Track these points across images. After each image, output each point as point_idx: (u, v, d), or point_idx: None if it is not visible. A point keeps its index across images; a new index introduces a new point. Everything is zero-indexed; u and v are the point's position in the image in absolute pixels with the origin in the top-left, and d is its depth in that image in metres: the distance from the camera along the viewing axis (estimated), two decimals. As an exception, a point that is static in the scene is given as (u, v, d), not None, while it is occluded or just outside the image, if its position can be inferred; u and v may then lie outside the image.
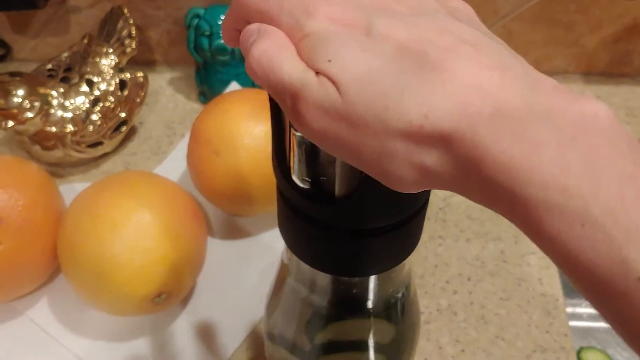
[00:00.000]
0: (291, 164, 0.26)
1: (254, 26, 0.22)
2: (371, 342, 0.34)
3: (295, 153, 0.25)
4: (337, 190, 0.25)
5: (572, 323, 0.71)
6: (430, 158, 0.19)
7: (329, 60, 0.20)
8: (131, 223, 0.44)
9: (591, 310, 0.72)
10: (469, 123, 0.18)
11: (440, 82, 0.19)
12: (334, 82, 0.19)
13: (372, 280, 0.31)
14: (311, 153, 0.24)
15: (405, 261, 0.31)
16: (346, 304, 0.32)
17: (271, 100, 0.25)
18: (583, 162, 0.17)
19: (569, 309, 0.71)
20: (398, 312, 0.34)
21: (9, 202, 0.45)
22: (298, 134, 0.23)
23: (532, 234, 0.18)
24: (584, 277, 0.18)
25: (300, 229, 0.27)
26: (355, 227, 0.26)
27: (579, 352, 0.67)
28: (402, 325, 0.35)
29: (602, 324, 0.71)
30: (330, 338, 0.33)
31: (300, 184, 0.26)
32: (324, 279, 0.31)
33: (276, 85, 0.20)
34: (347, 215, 0.25)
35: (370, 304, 0.32)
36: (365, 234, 0.26)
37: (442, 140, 0.19)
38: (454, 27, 0.20)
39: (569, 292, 0.72)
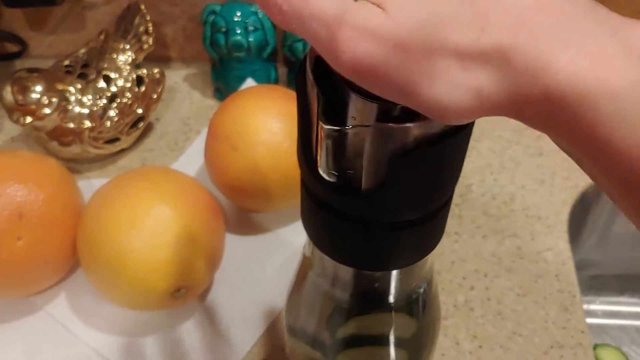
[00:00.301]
0: (318, 157, 0.26)
1: None
2: (392, 337, 0.34)
3: (322, 146, 0.25)
4: (364, 183, 0.25)
5: (587, 320, 0.71)
6: (487, 76, 0.18)
7: None
8: (150, 218, 0.44)
9: (605, 308, 0.72)
10: (530, 35, 0.18)
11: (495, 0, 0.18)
12: (377, 4, 0.18)
13: (395, 274, 0.31)
14: (339, 145, 0.24)
15: (428, 256, 0.31)
16: (368, 299, 0.32)
17: (298, 92, 0.25)
18: None
19: (584, 306, 0.71)
20: (420, 307, 0.34)
21: (29, 197, 0.45)
22: (326, 126, 0.23)
23: (592, 152, 0.18)
24: None
25: (325, 222, 0.27)
26: (381, 221, 0.26)
27: (593, 349, 0.67)
28: (423, 320, 0.35)
29: (617, 321, 0.71)
30: (351, 332, 0.34)
31: (326, 177, 0.26)
32: (346, 273, 0.31)
33: (311, 17, 0.19)
34: (374, 209, 0.25)
35: (392, 299, 0.32)
36: (391, 228, 0.26)
37: (500, 54, 0.18)
38: None
39: (583, 290, 0.72)
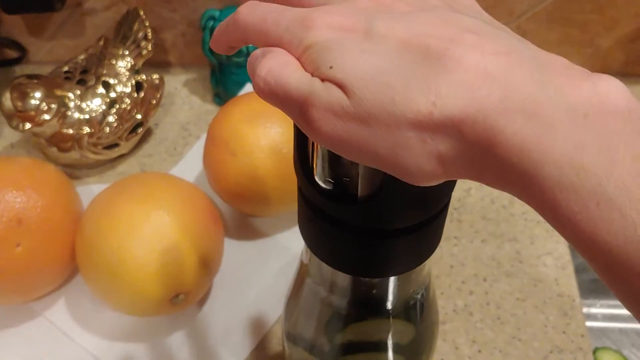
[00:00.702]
0: (314, 165, 0.26)
1: (258, 51, 0.22)
2: (390, 343, 0.34)
3: (318, 154, 0.25)
4: (360, 190, 0.25)
5: (587, 323, 0.71)
6: (444, 145, 0.19)
7: (331, 67, 0.20)
8: (149, 224, 0.44)
9: (606, 311, 0.72)
10: (479, 107, 0.18)
11: (445, 71, 0.19)
12: (339, 86, 0.20)
13: (392, 281, 0.31)
14: (334, 154, 0.24)
15: (425, 262, 0.31)
16: (366, 305, 0.32)
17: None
18: (596, 140, 0.17)
19: (584, 310, 0.71)
20: (417, 313, 0.34)
21: (27, 204, 0.45)
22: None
23: (547, 215, 0.18)
24: (599, 257, 0.17)
25: (322, 229, 0.28)
26: (378, 228, 0.26)
27: (593, 353, 0.67)
28: (421, 325, 0.35)
29: (617, 325, 0.71)
30: (349, 339, 0.34)
31: (322, 185, 0.26)
32: (344, 280, 0.31)
33: (285, 98, 0.21)
34: (370, 216, 0.25)
35: (390, 305, 0.32)
36: (388, 235, 0.26)
37: (453, 127, 0.19)
38: (455, 18, 0.21)
39: (583, 293, 0.71)
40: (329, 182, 0.26)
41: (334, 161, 0.25)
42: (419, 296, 0.33)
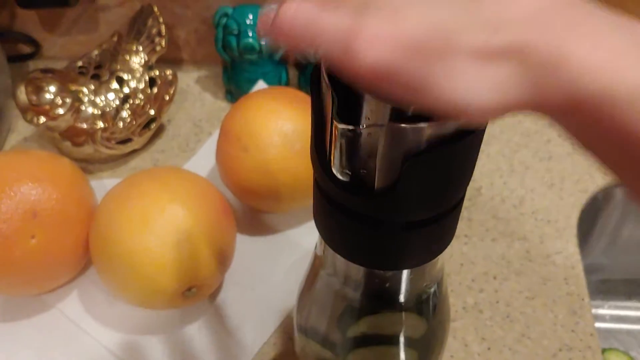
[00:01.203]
0: (331, 156, 0.26)
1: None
2: (402, 337, 0.34)
3: (336, 145, 0.25)
4: (377, 183, 0.25)
5: (595, 325, 0.71)
6: (506, 71, 0.19)
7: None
8: (163, 217, 0.44)
9: (614, 312, 0.72)
10: (545, 31, 0.18)
11: (505, 2, 0.19)
12: (390, 12, 0.19)
13: (406, 274, 0.31)
14: (353, 145, 0.24)
15: (439, 256, 0.32)
16: (379, 298, 0.33)
17: (313, 92, 0.25)
18: None
19: (592, 311, 0.71)
20: (430, 308, 0.34)
21: (42, 196, 0.46)
22: (341, 125, 0.24)
23: (614, 139, 0.19)
24: None
25: (337, 221, 0.28)
26: (394, 220, 0.26)
27: (602, 353, 0.67)
28: (433, 321, 0.35)
29: (625, 326, 0.71)
30: (362, 331, 0.34)
31: (340, 177, 0.26)
32: (358, 273, 0.32)
33: (323, 32, 0.20)
34: (386, 208, 0.25)
35: (402, 299, 0.32)
36: (403, 227, 0.26)
37: (515, 51, 0.18)
38: None
39: (592, 294, 0.72)
40: (346, 173, 0.26)
41: (352, 153, 0.25)
42: (431, 291, 0.33)
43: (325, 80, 0.24)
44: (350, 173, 0.26)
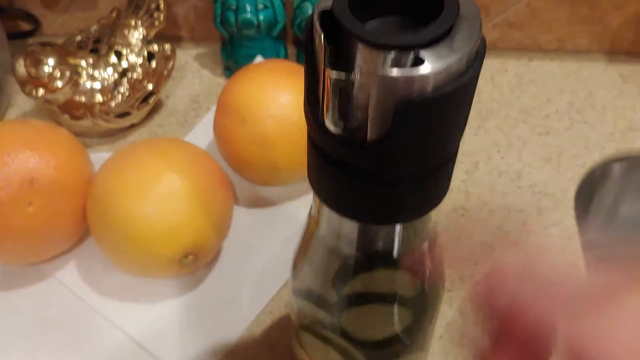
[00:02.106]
0: (324, 108, 0.26)
1: None
2: (396, 295, 0.34)
3: (329, 96, 0.25)
4: (369, 134, 0.25)
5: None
6: None
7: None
8: (160, 185, 0.45)
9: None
10: None
11: None
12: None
13: (399, 230, 0.31)
14: (345, 95, 0.25)
15: (432, 214, 0.32)
16: (373, 255, 0.33)
17: (306, 44, 0.26)
18: None
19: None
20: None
21: (40, 164, 0.46)
22: (333, 73, 0.24)
23: None
24: None
25: (330, 175, 0.28)
26: (386, 173, 0.26)
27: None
28: (428, 279, 0.35)
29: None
30: (356, 289, 0.34)
31: (332, 129, 0.26)
32: (352, 229, 0.32)
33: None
34: (378, 160, 0.26)
35: (396, 255, 0.32)
36: (395, 180, 0.27)
37: None
38: None
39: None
40: (339, 125, 0.26)
41: (344, 103, 0.25)
42: (426, 248, 0.34)
43: (318, 30, 0.24)
44: (342, 125, 0.26)
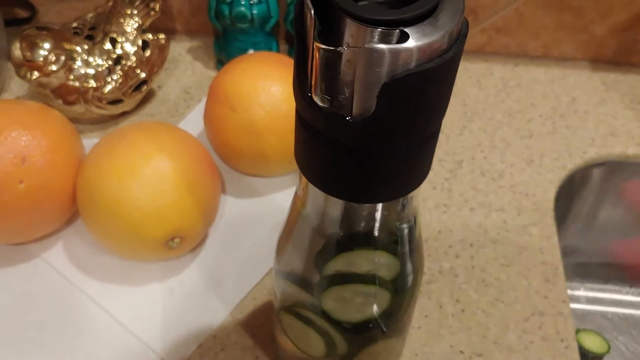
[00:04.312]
0: (312, 82, 0.27)
1: None
2: (376, 276, 0.35)
3: (317, 70, 0.26)
4: (355, 109, 0.26)
5: (571, 306, 0.72)
6: None
7: None
8: (150, 167, 0.45)
9: (590, 294, 0.73)
10: None
11: None
12: None
13: (380, 211, 0.33)
14: (332, 69, 0.26)
15: (413, 196, 0.33)
16: (355, 235, 0.34)
17: (297, 21, 0.27)
18: None
19: (567, 292, 0.73)
20: (404, 250, 0.35)
21: (32, 142, 0.47)
22: (321, 46, 0.25)
23: None
24: None
25: (315, 151, 0.29)
26: (369, 147, 0.27)
27: (576, 333, 0.68)
28: (406, 265, 0.36)
29: (600, 308, 0.73)
30: (337, 269, 0.35)
31: (319, 103, 0.27)
32: (335, 209, 0.33)
33: None
34: (362, 134, 0.27)
35: (377, 235, 0.33)
36: (378, 155, 0.28)
37: None
38: None
39: (568, 276, 0.73)
40: (326, 99, 0.27)
41: (331, 77, 0.26)
42: (405, 232, 0.35)
43: (309, 5, 0.25)
44: (329, 99, 0.27)
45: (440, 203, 0.56)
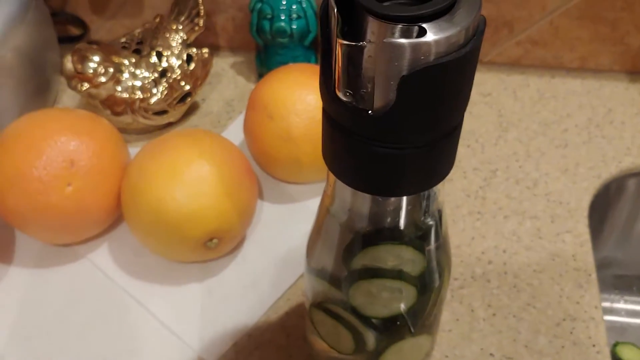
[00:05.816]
0: (336, 78, 0.29)
1: None
2: (402, 272, 0.36)
3: (340, 66, 0.28)
4: (376, 102, 0.28)
5: (609, 318, 0.72)
6: None
7: None
8: (191, 170, 0.48)
9: (629, 307, 0.73)
10: None
11: None
12: None
13: (405, 205, 0.34)
14: (355, 63, 0.27)
15: (437, 191, 0.34)
16: (381, 230, 0.35)
17: (322, 19, 0.28)
18: None
19: (606, 304, 0.72)
20: (430, 246, 0.36)
21: (80, 147, 0.49)
22: (343, 42, 0.27)
23: None
24: None
25: (340, 146, 0.31)
26: (391, 140, 0.29)
27: (614, 346, 0.68)
28: (432, 260, 0.37)
29: (639, 320, 0.72)
30: (364, 264, 0.36)
31: (343, 98, 0.29)
32: (361, 204, 0.34)
33: None
34: (383, 129, 0.28)
35: (402, 230, 0.35)
36: (400, 149, 0.29)
37: None
38: None
39: (607, 288, 0.73)
40: (349, 94, 0.29)
41: (354, 71, 0.28)
42: (431, 227, 0.36)
43: (332, 5, 0.27)
44: (352, 93, 0.29)
45: (474, 210, 0.57)
